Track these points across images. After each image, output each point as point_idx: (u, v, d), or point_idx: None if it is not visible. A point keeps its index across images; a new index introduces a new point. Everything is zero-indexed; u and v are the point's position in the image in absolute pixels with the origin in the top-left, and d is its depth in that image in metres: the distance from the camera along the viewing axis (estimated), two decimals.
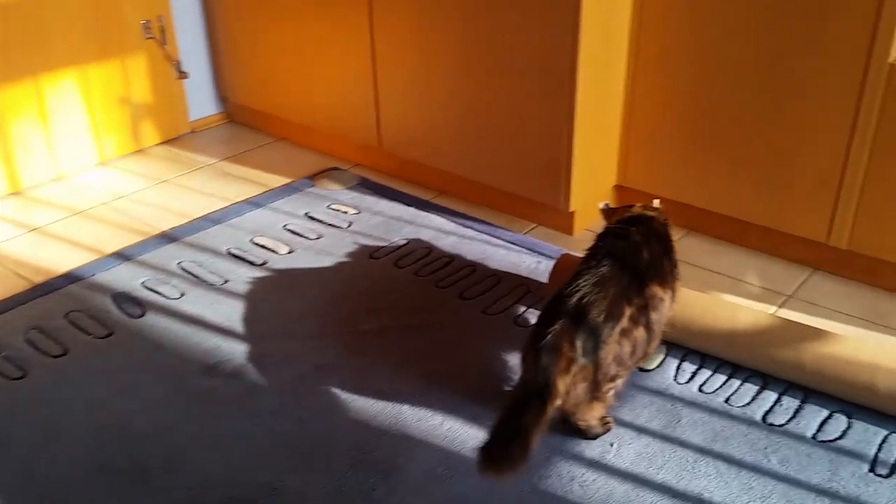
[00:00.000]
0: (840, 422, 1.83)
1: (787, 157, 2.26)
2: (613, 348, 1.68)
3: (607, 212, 2.06)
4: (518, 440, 1.53)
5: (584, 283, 1.68)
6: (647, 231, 1.87)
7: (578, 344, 1.62)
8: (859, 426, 1.81)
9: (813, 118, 2.18)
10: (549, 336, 1.62)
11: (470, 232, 2.59)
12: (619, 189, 2.66)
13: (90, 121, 3.02)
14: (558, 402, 1.62)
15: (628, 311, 1.69)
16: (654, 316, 1.75)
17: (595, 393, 1.70)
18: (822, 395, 1.89)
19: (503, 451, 1.54)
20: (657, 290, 1.77)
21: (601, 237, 1.89)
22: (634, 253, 1.79)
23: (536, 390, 1.59)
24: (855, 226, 2.22)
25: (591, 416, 1.76)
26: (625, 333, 1.69)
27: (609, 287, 1.68)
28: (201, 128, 3.37)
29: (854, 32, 2.04)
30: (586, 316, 1.64)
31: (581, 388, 1.67)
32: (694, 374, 1.98)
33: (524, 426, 1.54)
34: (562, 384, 1.61)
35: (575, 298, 1.66)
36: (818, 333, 1.93)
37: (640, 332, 1.73)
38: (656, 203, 2.03)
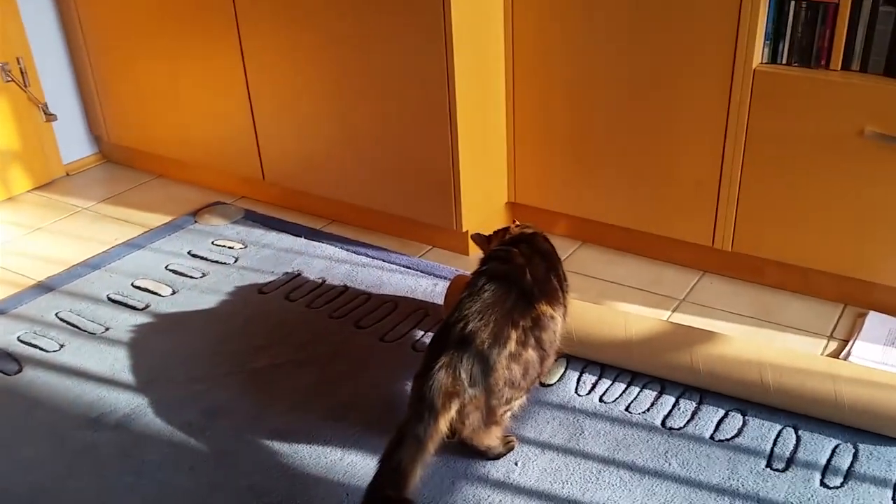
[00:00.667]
0: (736, 420, 1.86)
1: (666, 165, 2.31)
2: (503, 374, 1.66)
3: (480, 239, 2.06)
4: (397, 481, 1.51)
5: (466, 311, 1.66)
6: (529, 250, 1.86)
7: (464, 376, 1.60)
8: (754, 423, 1.85)
9: (687, 126, 2.24)
10: (431, 372, 1.59)
11: (363, 259, 2.54)
12: (511, 206, 2.67)
13: None
14: (442, 436, 1.58)
15: (514, 335, 1.67)
16: (544, 336, 1.73)
17: (491, 418, 1.68)
18: (717, 396, 1.92)
19: (382, 496, 1.50)
20: (545, 309, 1.75)
21: (483, 262, 1.86)
22: (517, 274, 1.77)
23: (414, 429, 1.55)
24: (736, 228, 2.28)
25: (490, 440, 1.74)
26: (513, 357, 1.67)
27: (492, 312, 1.66)
28: (76, 170, 3.23)
29: (718, 41, 2.10)
30: (471, 344, 1.62)
31: (474, 418, 1.65)
32: (594, 385, 1.98)
33: (402, 467, 1.52)
34: (443, 422, 1.57)
35: (458, 328, 1.64)
36: (708, 336, 1.97)
37: (529, 354, 1.70)
38: (514, 225, 2.04)
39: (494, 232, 2.05)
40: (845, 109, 2.02)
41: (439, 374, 1.58)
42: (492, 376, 1.64)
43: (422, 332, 2.18)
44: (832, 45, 2.02)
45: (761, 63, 2.10)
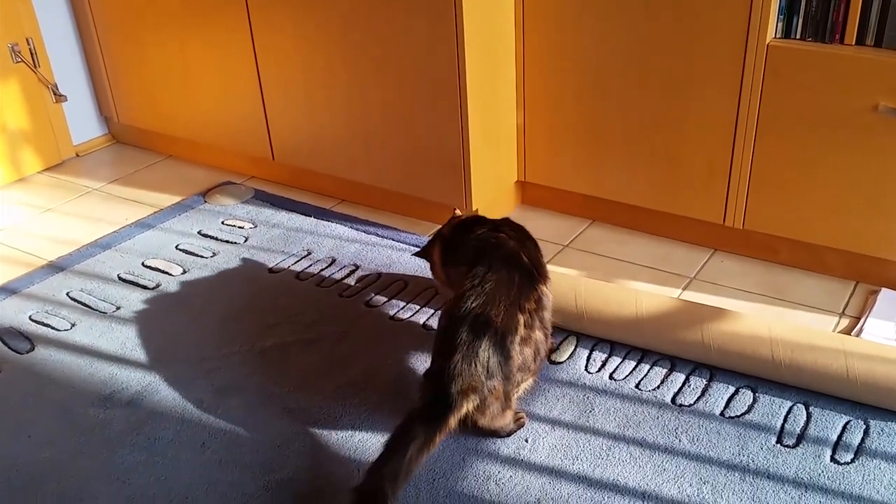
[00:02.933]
0: (746, 397, 1.85)
1: (678, 143, 2.29)
2: (517, 360, 1.67)
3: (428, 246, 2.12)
4: (397, 473, 1.51)
5: (473, 304, 1.66)
6: (515, 233, 1.89)
7: (480, 369, 1.61)
8: (764, 399, 1.84)
9: (699, 103, 2.22)
10: (449, 369, 1.59)
11: (373, 238, 2.54)
12: (520, 185, 2.66)
13: None
14: (452, 431, 1.61)
15: (522, 319, 1.69)
16: (545, 315, 1.76)
17: (507, 404, 1.70)
18: (727, 373, 1.92)
19: (378, 487, 1.50)
20: (543, 289, 1.78)
21: (476, 249, 1.84)
22: (515, 258, 1.79)
23: (428, 423, 1.56)
24: (748, 206, 2.27)
25: (504, 423, 1.75)
26: (524, 342, 1.69)
27: (500, 301, 1.67)
28: (86, 151, 3.23)
29: (731, 15, 2.08)
30: (485, 336, 1.63)
31: (494, 407, 1.67)
32: (604, 363, 1.98)
33: (408, 460, 1.52)
34: (456, 419, 1.59)
35: (469, 320, 1.64)
36: (719, 312, 1.96)
37: (537, 335, 1.73)
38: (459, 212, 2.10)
39: (432, 237, 2.09)
40: (859, 84, 2.00)
41: (458, 369, 1.59)
42: (507, 364, 1.65)
43: (431, 312, 2.18)
44: (847, 20, 2.00)
45: (775, 38, 2.08)
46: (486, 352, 1.62)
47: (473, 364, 1.60)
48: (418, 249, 2.18)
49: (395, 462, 1.52)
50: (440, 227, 2.11)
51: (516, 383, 1.69)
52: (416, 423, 1.56)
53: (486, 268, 1.73)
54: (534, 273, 1.78)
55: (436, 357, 1.69)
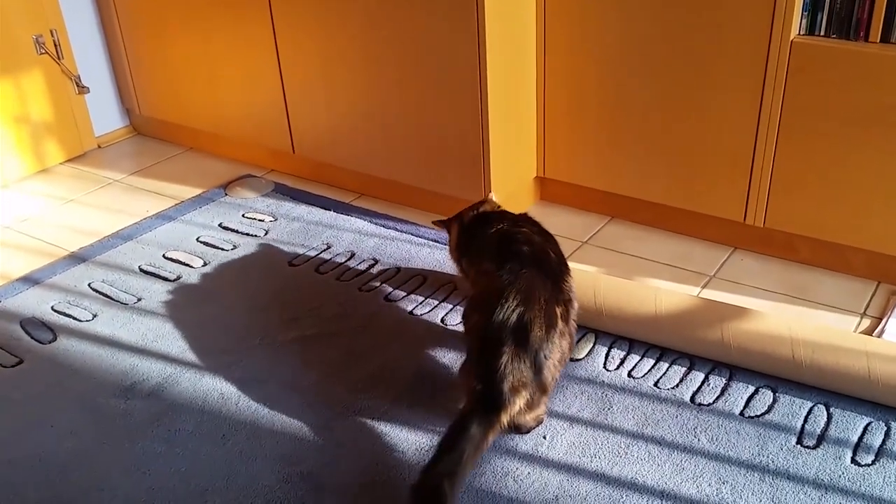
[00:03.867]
0: (766, 397, 1.85)
1: (699, 140, 2.28)
2: (557, 354, 1.68)
3: (441, 224, 2.13)
4: (455, 471, 1.52)
5: (514, 302, 1.65)
6: (537, 228, 1.89)
7: (528, 365, 1.62)
8: (785, 399, 1.83)
9: (721, 100, 2.21)
10: (498, 367, 1.60)
11: (392, 233, 2.54)
12: (540, 180, 2.65)
13: None
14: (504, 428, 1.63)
15: (559, 312, 1.70)
16: (574, 307, 1.78)
17: (545, 397, 1.72)
18: (747, 372, 1.91)
19: (437, 485, 1.50)
20: (570, 281, 1.79)
21: (500, 246, 1.83)
22: (544, 254, 1.79)
23: (482, 421, 1.57)
24: (770, 204, 2.25)
25: (537, 416, 1.76)
26: (562, 335, 1.70)
27: (539, 297, 1.67)
28: (107, 143, 3.25)
29: (755, 12, 2.07)
30: (529, 333, 1.63)
31: (540, 402, 1.70)
32: (623, 360, 1.98)
33: (464, 459, 1.53)
34: (507, 416, 1.61)
35: (511, 318, 1.63)
36: (739, 311, 1.95)
37: (571, 327, 1.75)
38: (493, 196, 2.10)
39: (458, 214, 2.08)
40: (883, 83, 1.98)
41: (508, 368, 1.60)
42: (551, 359, 1.66)
43: (450, 307, 2.19)
44: (871, 17, 1.98)
45: (799, 35, 2.07)
46: (532, 348, 1.63)
47: (523, 361, 1.62)
48: (440, 219, 2.16)
49: (452, 461, 1.53)
50: (465, 208, 2.09)
51: (556, 378, 1.71)
52: (469, 421, 1.57)
53: (520, 265, 1.73)
54: (562, 267, 1.80)
55: (477, 355, 1.67)
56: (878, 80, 1.98)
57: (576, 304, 1.79)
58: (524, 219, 1.96)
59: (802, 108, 2.10)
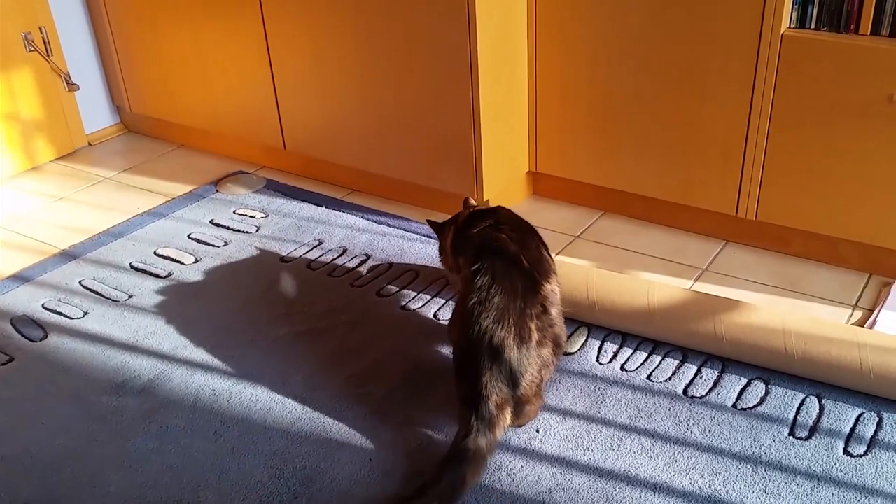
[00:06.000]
0: (758, 389, 1.85)
1: (691, 133, 2.28)
2: (536, 363, 1.69)
3: (434, 226, 2.12)
4: (454, 495, 1.57)
5: (486, 324, 1.66)
6: (514, 231, 1.85)
7: (505, 382, 1.64)
8: (777, 391, 1.83)
9: (713, 94, 2.21)
10: (479, 396, 1.63)
11: (384, 228, 2.54)
12: (532, 175, 2.65)
13: None
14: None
15: (534, 326, 1.69)
16: (554, 311, 1.76)
17: (537, 400, 1.74)
18: (740, 364, 1.91)
19: None
20: (547, 287, 1.76)
21: (478, 250, 1.81)
22: (515, 263, 1.76)
23: (477, 443, 1.60)
24: (761, 197, 2.26)
25: (534, 415, 1.78)
26: (540, 344, 1.70)
27: (509, 315, 1.67)
28: (98, 140, 3.24)
29: (745, 5, 2.07)
30: (503, 354, 1.65)
31: (529, 408, 1.73)
32: (616, 354, 1.98)
33: (465, 480, 1.58)
34: (500, 431, 1.65)
35: (484, 342, 1.65)
36: (732, 304, 1.95)
37: (550, 332, 1.73)
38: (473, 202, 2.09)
39: (451, 217, 2.07)
40: (874, 75, 1.98)
41: (489, 389, 1.63)
42: (529, 371, 1.67)
43: (442, 302, 2.18)
44: (862, 10, 1.98)
45: (789, 28, 2.07)
46: (507, 365, 1.65)
47: (500, 380, 1.64)
48: (433, 221, 2.16)
49: (453, 487, 1.57)
50: (457, 213, 2.09)
51: (541, 380, 1.72)
52: (467, 446, 1.60)
53: (490, 279, 1.71)
54: (534, 276, 1.75)
55: (462, 379, 1.70)
56: (868, 73, 1.98)
57: (555, 309, 1.76)
58: (506, 220, 1.91)
59: (794, 101, 2.10)
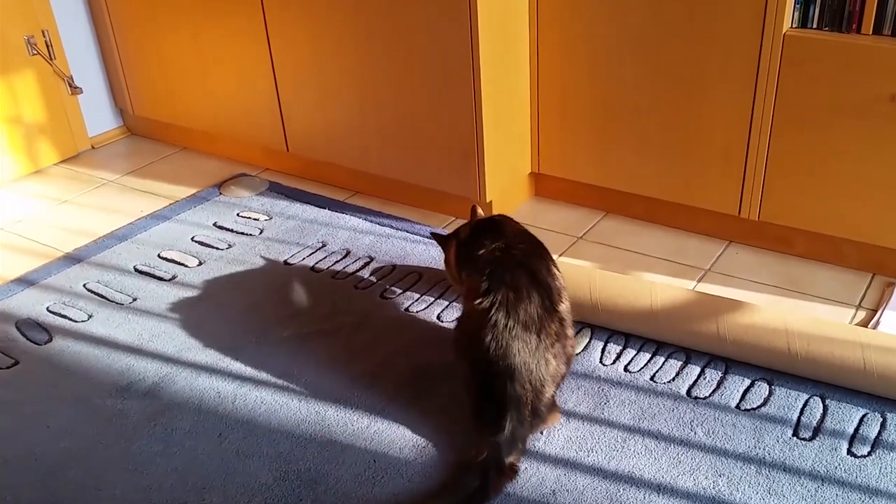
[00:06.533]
0: (762, 389, 1.85)
1: (693, 134, 2.28)
2: (551, 384, 1.68)
3: (439, 239, 2.08)
4: None
5: (507, 359, 1.63)
6: (524, 250, 1.79)
7: (526, 411, 1.64)
8: (780, 392, 1.84)
9: (714, 93, 2.21)
10: (499, 432, 1.62)
11: (387, 230, 2.54)
12: (534, 176, 2.66)
13: None
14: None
15: (551, 353, 1.67)
16: (568, 331, 1.73)
17: (554, 411, 1.76)
18: (743, 365, 1.91)
19: None
20: (561, 307, 1.73)
21: (491, 276, 1.72)
22: (529, 288, 1.70)
23: (497, 469, 1.61)
24: (764, 197, 2.26)
25: (550, 424, 1.79)
26: (557, 368, 1.70)
27: (526, 346, 1.64)
28: (101, 143, 3.25)
29: (747, 4, 2.07)
30: (519, 384, 1.63)
31: (552, 418, 1.75)
32: (619, 355, 1.98)
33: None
34: (517, 455, 1.66)
35: (504, 379, 1.63)
36: (735, 305, 1.95)
37: (566, 349, 1.73)
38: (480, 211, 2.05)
39: (454, 231, 2.04)
40: (876, 75, 1.98)
41: (506, 431, 1.62)
42: (545, 393, 1.68)
43: (446, 304, 2.19)
44: (864, 9, 1.98)
45: (791, 27, 2.07)
46: (527, 401, 1.64)
47: (516, 419, 1.63)
48: (438, 234, 2.15)
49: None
50: (462, 225, 2.04)
51: (555, 391, 1.73)
52: (487, 470, 1.61)
53: (506, 314, 1.65)
54: (546, 302, 1.70)
55: (483, 406, 1.68)
56: (870, 73, 1.99)
57: (570, 330, 1.74)
58: (518, 239, 1.84)
59: (796, 101, 2.10)
